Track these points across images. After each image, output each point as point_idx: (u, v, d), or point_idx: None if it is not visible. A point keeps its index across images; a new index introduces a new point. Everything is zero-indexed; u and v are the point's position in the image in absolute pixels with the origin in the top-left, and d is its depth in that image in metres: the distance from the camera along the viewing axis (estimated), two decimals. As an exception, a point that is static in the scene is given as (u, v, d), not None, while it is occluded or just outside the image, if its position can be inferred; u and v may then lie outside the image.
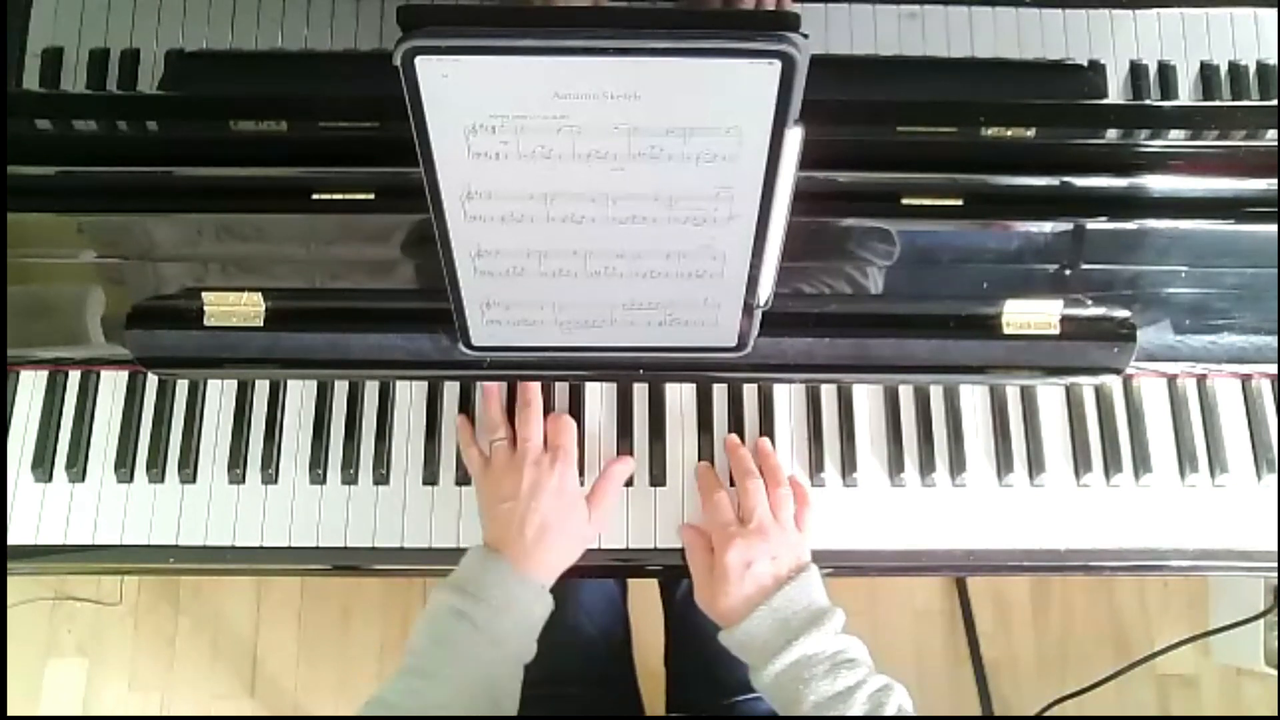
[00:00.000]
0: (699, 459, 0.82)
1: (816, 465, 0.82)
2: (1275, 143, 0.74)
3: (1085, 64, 0.77)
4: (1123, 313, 0.78)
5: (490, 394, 0.81)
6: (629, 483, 0.81)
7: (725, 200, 0.61)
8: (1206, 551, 0.82)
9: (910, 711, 0.67)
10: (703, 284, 0.68)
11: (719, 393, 0.84)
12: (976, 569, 0.83)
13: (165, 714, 1.59)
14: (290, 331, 0.77)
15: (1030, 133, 0.76)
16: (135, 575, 1.58)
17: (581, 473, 0.80)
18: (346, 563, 0.81)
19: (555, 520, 0.74)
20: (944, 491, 0.82)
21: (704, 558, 0.77)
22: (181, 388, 0.83)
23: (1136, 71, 0.77)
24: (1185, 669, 1.65)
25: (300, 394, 0.83)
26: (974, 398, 0.84)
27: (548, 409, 0.82)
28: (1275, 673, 1.51)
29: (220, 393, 0.83)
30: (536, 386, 0.80)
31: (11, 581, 1.53)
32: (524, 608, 0.71)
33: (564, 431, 0.79)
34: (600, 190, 0.60)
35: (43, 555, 0.80)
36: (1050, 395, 0.85)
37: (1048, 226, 0.75)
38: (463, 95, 0.53)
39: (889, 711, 0.66)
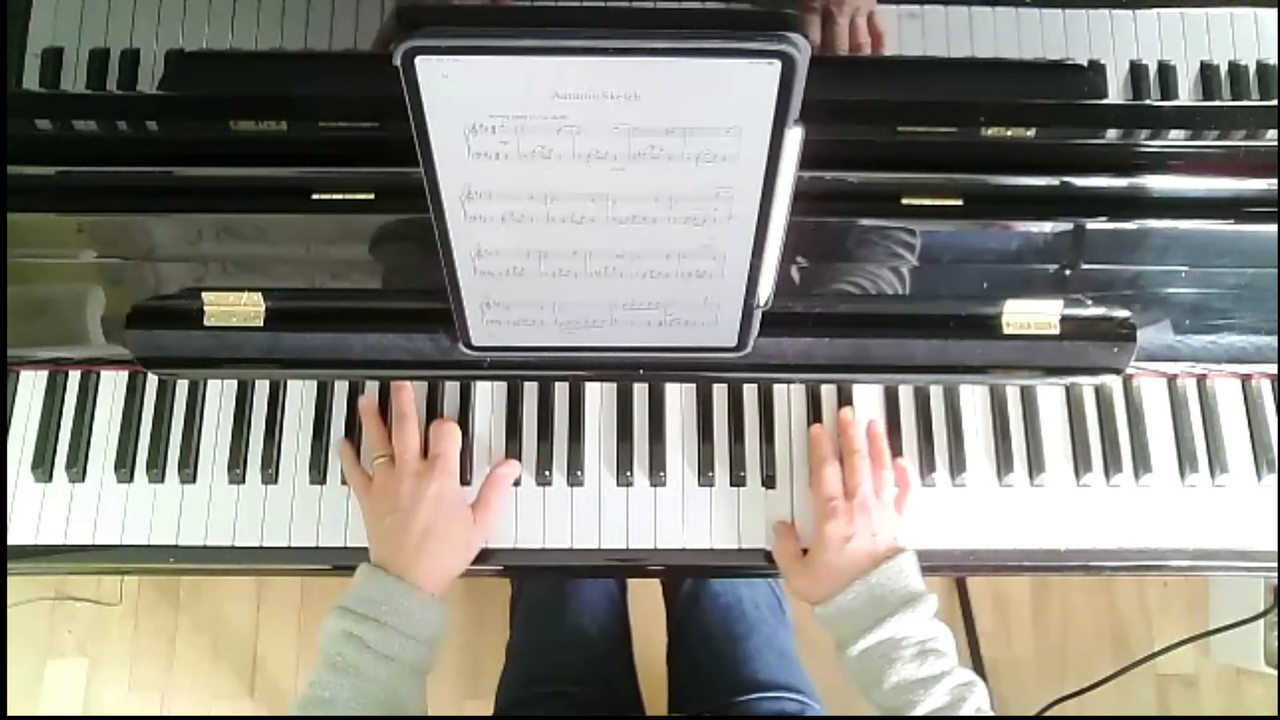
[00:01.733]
0: (699, 460, 0.82)
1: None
2: (1275, 143, 0.74)
3: (1085, 64, 0.77)
4: (1123, 313, 0.78)
5: (368, 413, 0.80)
6: (629, 483, 0.81)
7: (725, 200, 0.61)
8: (1206, 551, 0.82)
9: (988, 712, 0.68)
10: (703, 284, 0.68)
11: (719, 393, 0.84)
12: (976, 569, 0.83)
13: (165, 714, 1.59)
14: (290, 331, 0.77)
15: (1030, 133, 0.76)
16: (135, 575, 1.58)
17: (580, 470, 0.81)
18: (346, 563, 0.80)
19: (436, 527, 0.73)
20: (944, 491, 0.82)
21: (787, 545, 0.78)
22: (181, 388, 0.83)
23: (1136, 71, 0.77)
24: (1185, 669, 1.66)
25: (300, 394, 0.83)
26: (974, 398, 0.84)
27: (548, 408, 0.82)
28: (1275, 673, 1.51)
29: (220, 393, 0.83)
30: (409, 395, 0.79)
31: (11, 581, 1.53)
32: (415, 620, 0.70)
33: (444, 439, 0.77)
34: (600, 190, 0.60)
35: (43, 555, 0.80)
36: (1050, 395, 0.85)
37: (1048, 226, 0.75)
38: (463, 95, 0.53)
39: (968, 708, 0.66)
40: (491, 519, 0.78)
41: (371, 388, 0.83)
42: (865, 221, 0.74)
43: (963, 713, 0.66)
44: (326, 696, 0.67)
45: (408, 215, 0.72)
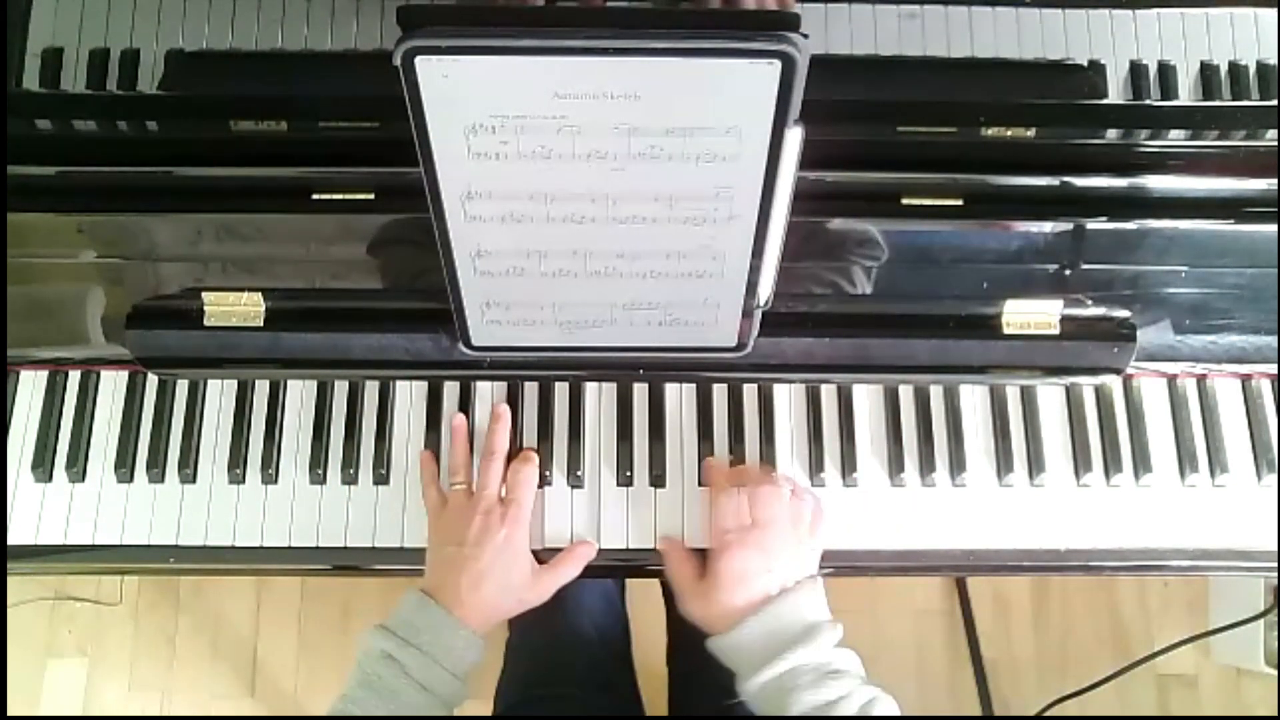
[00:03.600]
0: (699, 460, 0.82)
1: (816, 465, 0.82)
2: (1275, 143, 0.74)
3: (1085, 64, 0.77)
4: (1123, 313, 0.78)
5: (458, 434, 0.80)
6: (629, 483, 0.81)
7: (725, 200, 0.61)
8: (1206, 551, 0.82)
9: (896, 713, 0.67)
10: (703, 284, 0.68)
11: (719, 393, 0.84)
12: (976, 569, 0.83)
13: (165, 714, 1.59)
14: (290, 331, 0.77)
15: (1030, 133, 0.76)
16: (135, 575, 1.58)
17: (580, 470, 0.81)
18: (346, 563, 0.81)
19: (495, 572, 0.73)
20: (944, 491, 0.82)
21: (684, 568, 0.76)
22: (181, 388, 0.83)
23: (1136, 71, 0.77)
24: (1185, 669, 1.65)
25: (300, 394, 0.83)
26: (974, 398, 0.84)
27: (548, 408, 0.82)
28: (1275, 673, 1.51)
29: (220, 393, 0.83)
30: (504, 434, 0.79)
31: (11, 581, 1.53)
32: (456, 656, 0.70)
33: (523, 485, 0.77)
34: (600, 190, 0.60)
35: (43, 555, 0.80)
36: (1050, 395, 0.85)
37: (1048, 226, 0.75)
38: (463, 95, 0.53)
39: (878, 710, 0.66)
40: (554, 585, 0.77)
41: (451, 398, 0.82)
42: (865, 223, 0.74)
43: (875, 712, 0.66)
44: (357, 713, 0.67)
45: (407, 215, 0.72)
